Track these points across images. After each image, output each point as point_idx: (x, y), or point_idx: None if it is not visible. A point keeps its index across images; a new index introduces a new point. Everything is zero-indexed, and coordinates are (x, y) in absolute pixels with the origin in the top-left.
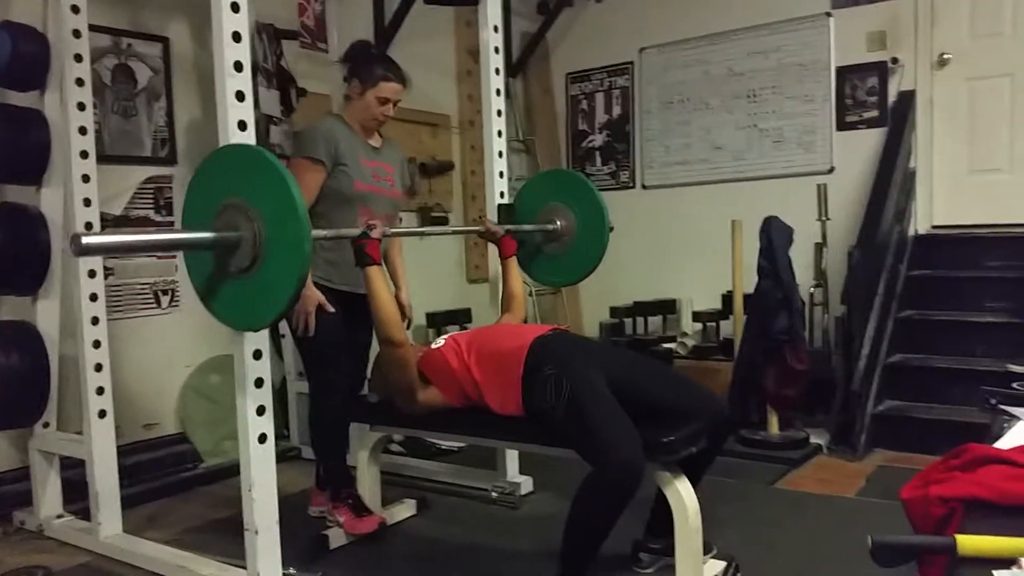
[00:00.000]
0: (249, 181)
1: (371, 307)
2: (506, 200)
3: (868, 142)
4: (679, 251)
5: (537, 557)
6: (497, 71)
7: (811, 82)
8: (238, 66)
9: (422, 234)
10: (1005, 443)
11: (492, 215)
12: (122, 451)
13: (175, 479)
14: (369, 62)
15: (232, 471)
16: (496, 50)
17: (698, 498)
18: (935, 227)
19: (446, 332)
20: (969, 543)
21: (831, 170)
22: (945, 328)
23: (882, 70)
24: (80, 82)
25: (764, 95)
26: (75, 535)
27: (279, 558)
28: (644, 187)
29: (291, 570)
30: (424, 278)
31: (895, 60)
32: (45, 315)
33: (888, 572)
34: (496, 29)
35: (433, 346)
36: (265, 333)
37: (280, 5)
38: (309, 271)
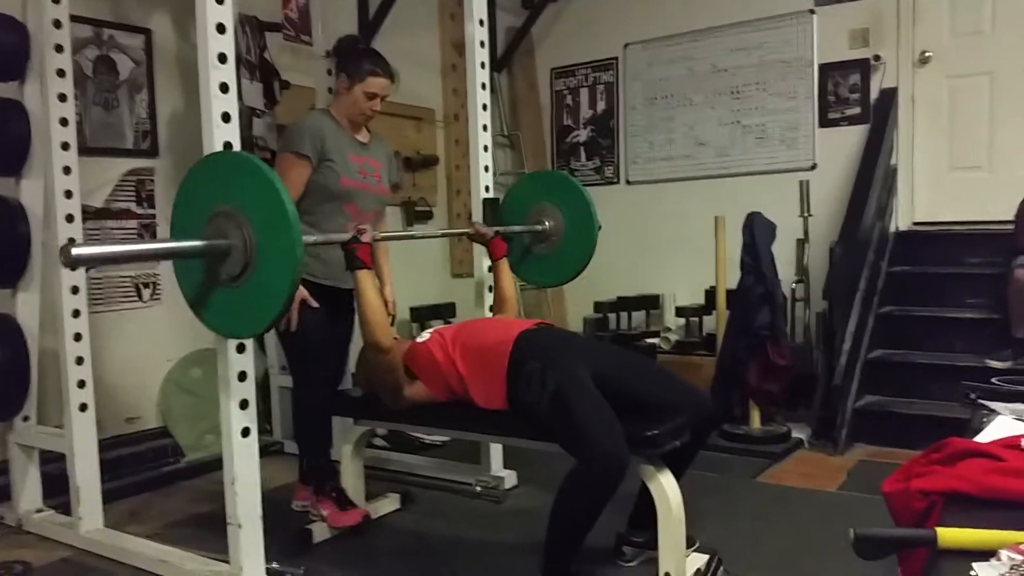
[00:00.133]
0: (238, 188)
1: (359, 311)
2: (491, 194)
3: (850, 139)
4: (663, 246)
5: (521, 550)
6: (482, 65)
7: (794, 79)
8: (222, 58)
9: (412, 237)
10: (985, 437)
11: (477, 210)
12: (103, 445)
13: (157, 473)
14: (357, 57)
15: (214, 465)
16: (481, 44)
17: (681, 492)
18: (916, 224)
19: (430, 326)
20: (949, 536)
21: (813, 167)
22: (925, 324)
23: (864, 67)
24: (61, 73)
25: (747, 92)
26: (55, 530)
27: (262, 552)
28: (628, 182)
29: (274, 564)
30: (408, 272)
31: (877, 57)
32: (25, 308)
33: (869, 565)
34: (481, 23)
35: (418, 340)
36: None
37: None
38: (300, 277)
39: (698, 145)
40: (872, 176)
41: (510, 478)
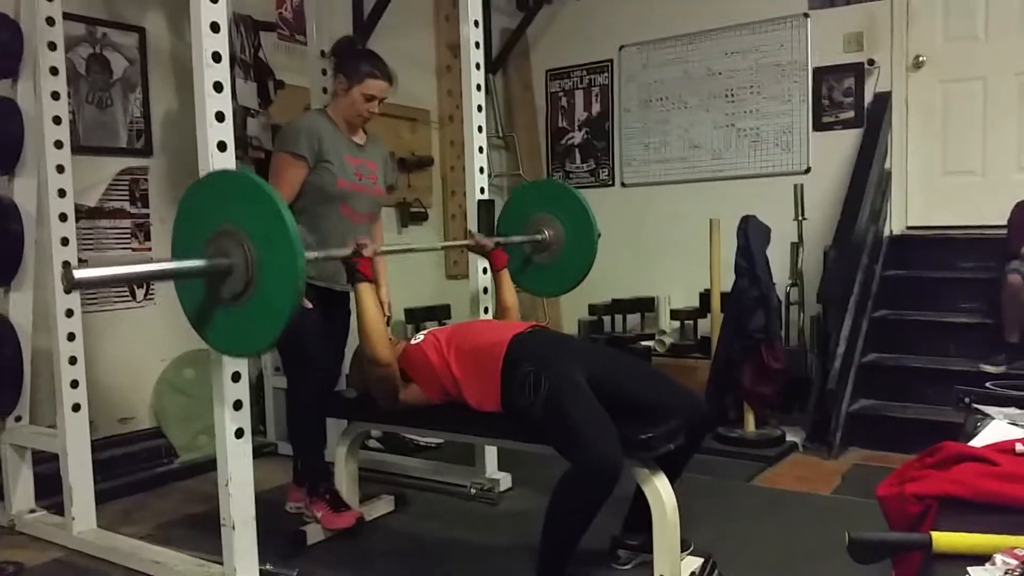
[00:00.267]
0: (238, 206)
1: (360, 325)
2: (486, 196)
3: (844, 143)
4: (658, 249)
5: (515, 553)
6: (477, 66)
7: (788, 82)
8: (216, 57)
9: (413, 250)
10: (979, 441)
11: (472, 211)
12: (96, 445)
13: (150, 474)
14: (355, 58)
15: (208, 466)
16: (476, 45)
17: (675, 495)
18: (910, 228)
19: (425, 328)
20: (944, 540)
21: (808, 170)
22: (919, 328)
23: (858, 71)
24: (54, 71)
25: (742, 95)
26: (48, 530)
27: (256, 553)
28: (623, 185)
29: (268, 566)
30: (403, 274)
31: (871, 61)
32: (18, 307)
33: (864, 569)
34: (476, 24)
35: (413, 341)
36: None
37: None
38: (303, 294)
39: (693, 148)
40: (866, 180)
41: (505, 480)
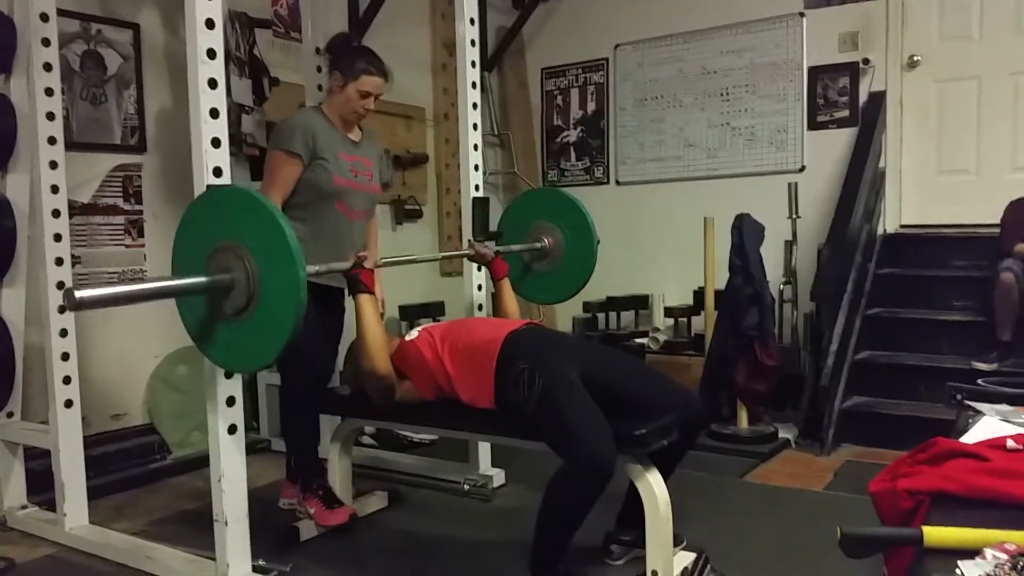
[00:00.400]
0: (238, 222)
1: (359, 336)
2: (480, 194)
3: (839, 142)
4: (652, 247)
5: (509, 549)
6: (473, 64)
7: (783, 81)
8: (211, 53)
9: (414, 261)
10: (971, 438)
11: (467, 208)
12: (89, 441)
13: (143, 470)
14: (351, 55)
15: (201, 462)
16: (472, 43)
17: (668, 490)
18: (903, 226)
19: (419, 325)
20: (935, 535)
21: (802, 169)
22: (912, 326)
23: (853, 70)
24: (48, 67)
25: (737, 94)
26: (40, 526)
27: (249, 549)
28: (618, 183)
29: (261, 562)
30: (397, 271)
31: (866, 61)
32: (10, 303)
33: (856, 563)
34: (472, 22)
35: (407, 338)
36: None
37: None
38: (306, 308)
39: (688, 146)
40: (860, 179)
41: (498, 476)
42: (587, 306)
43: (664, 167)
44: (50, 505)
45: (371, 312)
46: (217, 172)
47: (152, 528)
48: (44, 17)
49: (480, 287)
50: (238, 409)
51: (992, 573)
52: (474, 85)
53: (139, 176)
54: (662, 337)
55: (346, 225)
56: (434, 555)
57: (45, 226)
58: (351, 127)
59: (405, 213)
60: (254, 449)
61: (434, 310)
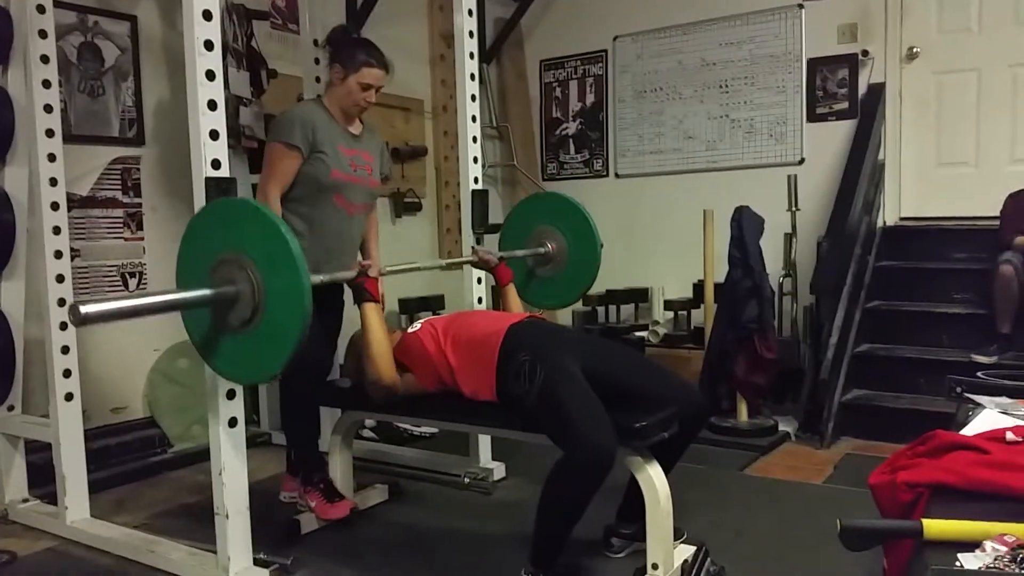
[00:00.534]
0: (241, 234)
1: (364, 344)
2: (479, 186)
3: (838, 134)
4: (651, 240)
5: (509, 542)
6: (472, 55)
7: (782, 73)
8: (208, 45)
9: (418, 269)
10: (970, 430)
11: (466, 201)
12: (89, 435)
13: (143, 464)
14: (351, 47)
15: (201, 456)
16: (471, 34)
17: (668, 484)
18: (903, 219)
19: (419, 318)
20: (935, 527)
21: (801, 161)
22: (912, 319)
23: (852, 62)
24: (45, 59)
25: (736, 86)
26: (41, 519)
27: (249, 542)
28: (617, 176)
29: (262, 555)
30: (396, 262)
31: (865, 53)
32: (10, 296)
33: (855, 556)
34: (471, 13)
35: (409, 330)
36: None
37: None
38: (311, 318)
39: (687, 139)
40: (859, 171)
41: (499, 470)
42: (587, 299)
43: (663, 160)
44: (51, 498)
45: (376, 321)
46: (215, 164)
47: (153, 521)
48: (41, 9)
49: (480, 280)
50: (238, 402)
51: (992, 565)
52: (472, 77)
53: (138, 169)
54: (662, 330)
55: (345, 219)
56: (435, 548)
57: (44, 219)
58: (352, 120)
59: (404, 206)
60: (254, 442)
61: (434, 303)
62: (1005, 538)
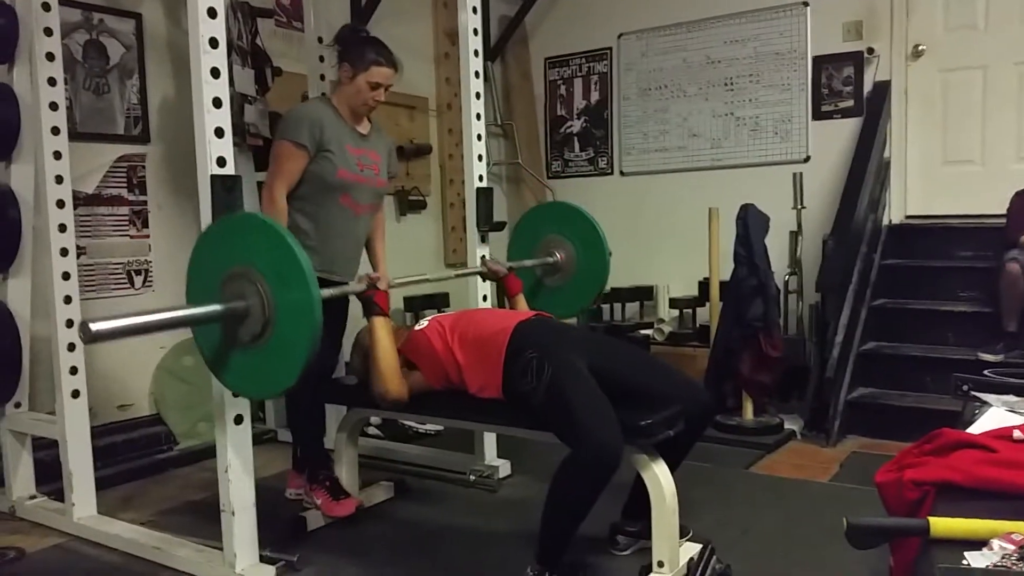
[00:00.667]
0: (250, 248)
1: (372, 359)
2: (484, 184)
3: (843, 132)
4: (656, 238)
5: (515, 540)
6: (476, 53)
7: (788, 71)
8: (213, 42)
9: (427, 280)
10: (977, 428)
11: (471, 199)
12: (96, 432)
13: (149, 461)
14: (360, 45)
15: (207, 453)
16: (475, 32)
17: (674, 482)
18: (908, 217)
19: (425, 316)
20: (942, 525)
21: (807, 159)
22: (918, 317)
23: (858, 60)
24: (50, 57)
25: (741, 83)
26: (48, 516)
27: (256, 539)
28: (622, 174)
29: (268, 552)
30: (402, 262)
31: (871, 50)
32: (16, 294)
33: (862, 554)
34: (475, 11)
35: (416, 328)
36: None
37: None
38: (321, 331)
39: (692, 136)
40: (865, 169)
41: (504, 467)
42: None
43: (668, 157)
44: (58, 495)
45: (385, 335)
46: (221, 162)
47: (159, 518)
48: (46, 6)
49: (483, 276)
50: (244, 400)
51: (999, 564)
52: (477, 75)
53: (143, 166)
54: (667, 328)
55: (351, 219)
56: (440, 546)
57: (50, 217)
58: (360, 119)
59: (409, 204)
60: (260, 440)
61: (439, 301)
62: (1013, 536)
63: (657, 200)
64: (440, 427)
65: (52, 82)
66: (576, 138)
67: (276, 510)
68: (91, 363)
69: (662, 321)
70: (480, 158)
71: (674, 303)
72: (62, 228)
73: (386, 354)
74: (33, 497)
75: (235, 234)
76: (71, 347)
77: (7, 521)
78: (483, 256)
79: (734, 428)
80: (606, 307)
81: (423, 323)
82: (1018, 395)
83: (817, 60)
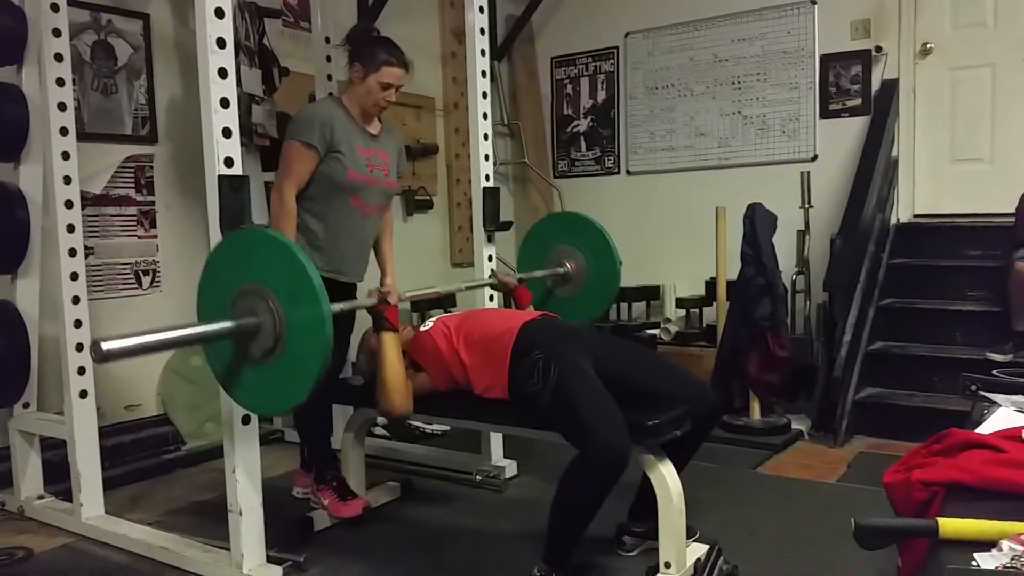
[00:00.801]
0: (262, 264)
1: (379, 375)
2: (491, 184)
3: (851, 130)
4: (663, 237)
5: (521, 540)
6: (483, 52)
7: (795, 70)
8: (221, 43)
9: (438, 294)
10: (986, 429)
11: (477, 199)
12: (103, 432)
13: (157, 461)
14: (371, 46)
15: (214, 453)
16: (482, 31)
17: (681, 482)
18: (917, 216)
19: (430, 316)
20: (951, 526)
21: (814, 158)
22: (926, 316)
23: (866, 59)
24: (59, 57)
25: (748, 82)
26: (56, 516)
27: (263, 540)
28: (629, 173)
29: (275, 552)
30: (408, 262)
31: (879, 49)
32: (24, 294)
33: (870, 555)
34: (482, 10)
35: (422, 329)
36: None
37: None
38: (332, 344)
39: (699, 135)
40: (873, 168)
41: (510, 467)
42: None
43: (675, 156)
44: (66, 495)
45: (394, 352)
46: (228, 162)
47: (167, 518)
48: (55, 7)
49: (491, 276)
50: None
51: (1009, 565)
52: (484, 74)
53: (151, 167)
54: (673, 328)
55: (360, 219)
56: (446, 546)
57: (58, 217)
58: (371, 119)
59: (415, 204)
60: (267, 440)
61: (445, 301)
62: (1022, 537)
63: (664, 199)
64: (446, 427)
65: (61, 83)
66: (583, 137)
67: (283, 510)
68: (99, 364)
69: (669, 321)
70: (487, 158)
71: (681, 303)
72: (70, 228)
73: (393, 370)
74: (41, 497)
75: (246, 251)
76: (79, 347)
77: (15, 521)
78: (493, 268)
79: (741, 428)
80: (612, 307)
81: (428, 324)
82: None
83: (825, 58)
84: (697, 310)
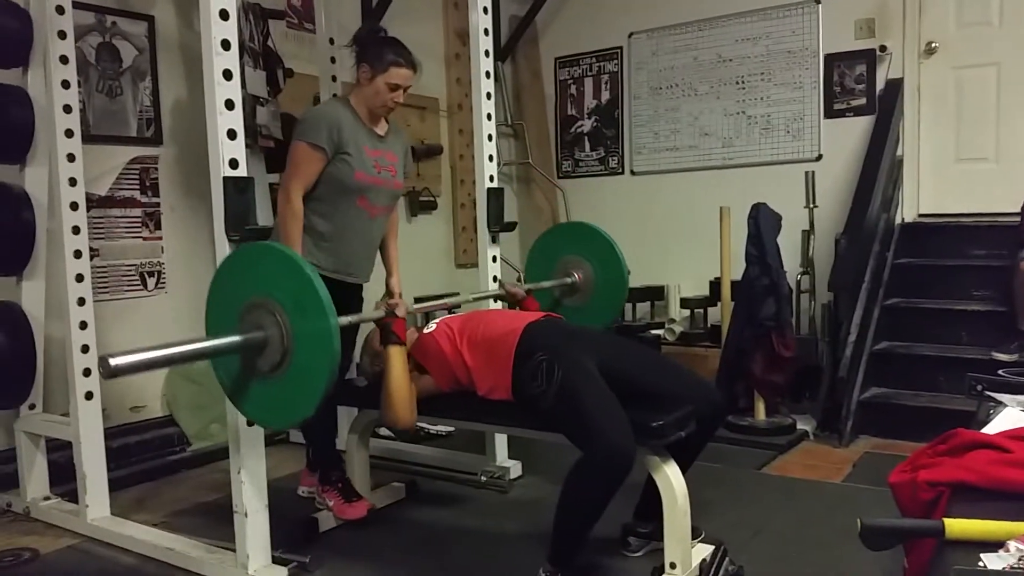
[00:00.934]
0: (269, 278)
1: (385, 388)
2: (495, 184)
3: (856, 130)
4: (667, 237)
5: (526, 541)
6: (487, 53)
7: (799, 69)
8: (225, 44)
9: (445, 305)
10: (992, 429)
11: (481, 199)
12: (109, 433)
13: (162, 462)
14: (379, 46)
15: (219, 454)
16: (486, 32)
17: (686, 483)
18: (922, 215)
19: (435, 317)
20: (957, 527)
21: (819, 157)
22: (931, 316)
23: (870, 58)
24: (64, 59)
25: (752, 82)
26: (62, 517)
27: (268, 541)
28: (633, 173)
29: (280, 552)
30: (413, 262)
31: (883, 48)
32: (30, 296)
33: (875, 555)
34: (485, 11)
35: (425, 330)
36: None
37: None
38: (339, 358)
39: (703, 135)
40: (878, 167)
41: (515, 468)
42: None
43: (679, 156)
44: (72, 496)
45: (400, 365)
46: (233, 164)
47: (172, 520)
48: (60, 10)
49: (495, 278)
50: None
51: (1016, 566)
52: (488, 74)
53: (156, 168)
54: (678, 328)
55: (367, 220)
56: (451, 547)
57: (63, 219)
58: (378, 120)
59: (420, 205)
60: (273, 440)
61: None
62: None
63: (668, 199)
64: (451, 428)
65: (66, 85)
66: (587, 138)
67: (288, 511)
68: None
69: (673, 321)
70: (491, 158)
71: (685, 303)
72: (76, 230)
73: (399, 384)
74: (47, 498)
75: (253, 264)
76: (85, 349)
77: (22, 522)
78: (500, 279)
79: (746, 428)
80: None
81: (432, 325)
82: None
83: (829, 58)
84: (701, 310)
